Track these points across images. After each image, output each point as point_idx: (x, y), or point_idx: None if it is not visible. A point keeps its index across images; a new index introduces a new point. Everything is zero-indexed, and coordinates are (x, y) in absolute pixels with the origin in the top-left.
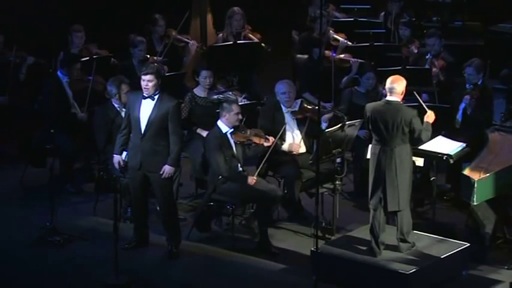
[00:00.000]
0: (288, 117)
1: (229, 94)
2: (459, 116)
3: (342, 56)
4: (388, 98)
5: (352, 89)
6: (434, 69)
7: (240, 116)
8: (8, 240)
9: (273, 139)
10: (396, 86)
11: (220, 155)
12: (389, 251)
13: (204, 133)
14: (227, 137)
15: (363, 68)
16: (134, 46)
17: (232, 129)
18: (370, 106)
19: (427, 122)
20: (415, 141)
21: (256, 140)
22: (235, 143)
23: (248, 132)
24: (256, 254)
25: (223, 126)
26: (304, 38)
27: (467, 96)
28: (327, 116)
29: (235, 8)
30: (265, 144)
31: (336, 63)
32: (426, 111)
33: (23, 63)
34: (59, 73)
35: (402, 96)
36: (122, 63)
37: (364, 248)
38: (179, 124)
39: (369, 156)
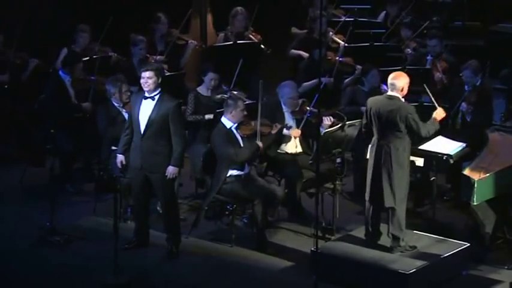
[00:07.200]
0: (287, 117)
1: (234, 93)
2: (460, 118)
3: (343, 59)
4: (389, 93)
5: (355, 87)
6: (437, 74)
7: (245, 112)
8: (8, 240)
9: (279, 125)
10: (396, 82)
11: (229, 146)
12: (388, 251)
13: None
14: (233, 132)
15: (366, 68)
16: (135, 45)
17: (236, 124)
18: (371, 100)
19: (435, 118)
20: (415, 137)
21: (263, 129)
22: (242, 137)
23: (253, 123)
24: (256, 254)
25: (227, 122)
26: (304, 38)
27: (464, 104)
28: (326, 124)
29: (239, 8)
30: (273, 131)
31: (338, 66)
32: (436, 108)
33: (25, 65)
34: (60, 72)
35: (403, 92)
36: (124, 59)
37: (364, 248)
38: (181, 124)
39: (369, 156)
